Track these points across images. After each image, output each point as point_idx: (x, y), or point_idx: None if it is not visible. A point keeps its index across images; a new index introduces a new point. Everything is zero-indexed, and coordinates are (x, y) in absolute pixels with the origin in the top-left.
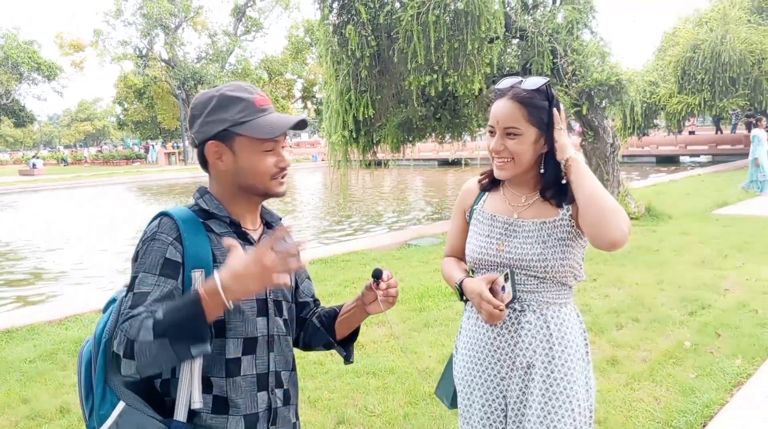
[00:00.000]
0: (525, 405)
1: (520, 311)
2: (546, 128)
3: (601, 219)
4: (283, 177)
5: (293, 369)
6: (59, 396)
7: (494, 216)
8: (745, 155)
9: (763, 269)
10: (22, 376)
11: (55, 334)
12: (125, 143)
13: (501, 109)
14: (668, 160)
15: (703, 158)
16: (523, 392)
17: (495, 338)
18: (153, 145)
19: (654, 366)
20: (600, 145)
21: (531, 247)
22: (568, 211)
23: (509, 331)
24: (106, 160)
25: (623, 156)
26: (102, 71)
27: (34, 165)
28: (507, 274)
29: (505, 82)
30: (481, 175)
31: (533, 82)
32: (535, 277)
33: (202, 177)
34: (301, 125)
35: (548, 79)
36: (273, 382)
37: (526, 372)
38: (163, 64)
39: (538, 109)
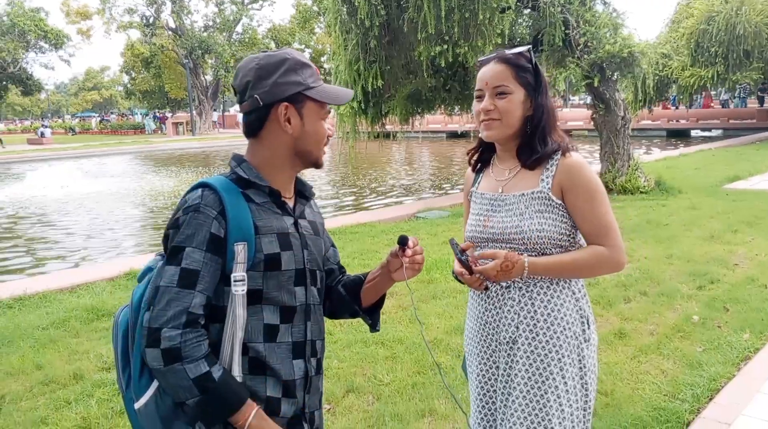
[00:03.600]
0: (512, 378)
1: (505, 288)
2: (532, 91)
3: (589, 276)
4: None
5: (324, 338)
6: (72, 362)
7: (483, 194)
8: (757, 130)
9: None
10: (35, 342)
11: (67, 301)
12: (133, 112)
13: (489, 71)
14: (679, 134)
15: (714, 132)
16: (510, 366)
17: (483, 312)
18: (140, 114)
19: (661, 339)
20: (611, 118)
21: (510, 220)
22: (547, 184)
23: (495, 306)
24: (114, 129)
25: (633, 129)
26: (109, 40)
27: (42, 134)
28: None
29: (488, 55)
30: (468, 152)
31: (517, 48)
32: (517, 250)
33: (210, 148)
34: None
35: (530, 46)
36: (309, 350)
37: (511, 347)
38: (170, 32)
39: (524, 70)
